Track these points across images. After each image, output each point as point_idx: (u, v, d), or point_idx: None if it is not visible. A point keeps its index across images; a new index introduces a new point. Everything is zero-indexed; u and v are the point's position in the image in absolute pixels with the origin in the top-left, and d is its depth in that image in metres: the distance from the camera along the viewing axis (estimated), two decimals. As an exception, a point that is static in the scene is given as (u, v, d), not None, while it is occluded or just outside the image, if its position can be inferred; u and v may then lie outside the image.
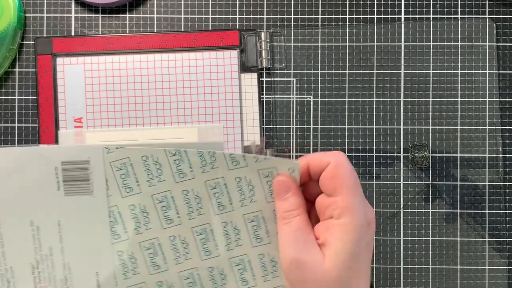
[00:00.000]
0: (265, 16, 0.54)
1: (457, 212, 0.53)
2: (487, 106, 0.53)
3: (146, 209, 0.32)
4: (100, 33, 0.54)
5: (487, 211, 0.53)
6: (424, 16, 0.54)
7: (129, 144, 0.32)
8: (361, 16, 0.54)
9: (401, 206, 0.53)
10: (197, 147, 0.32)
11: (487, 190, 0.53)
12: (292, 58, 0.54)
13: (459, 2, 0.54)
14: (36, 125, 0.53)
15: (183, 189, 0.32)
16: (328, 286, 0.31)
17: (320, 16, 0.54)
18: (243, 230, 0.33)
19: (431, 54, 0.53)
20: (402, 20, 0.54)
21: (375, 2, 0.54)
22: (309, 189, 0.34)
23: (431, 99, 0.53)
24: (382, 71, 0.53)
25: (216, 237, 0.33)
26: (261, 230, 0.33)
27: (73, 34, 0.54)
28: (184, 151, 0.31)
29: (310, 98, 0.54)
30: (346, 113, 0.53)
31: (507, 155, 0.53)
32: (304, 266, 0.31)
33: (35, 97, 0.53)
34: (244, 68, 0.53)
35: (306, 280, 0.31)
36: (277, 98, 0.54)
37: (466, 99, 0.53)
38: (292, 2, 0.54)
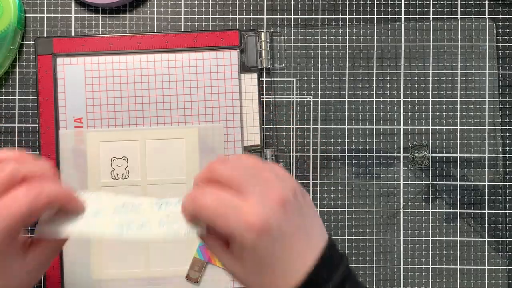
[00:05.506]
0: (265, 16, 0.54)
1: (457, 212, 0.53)
2: (486, 106, 0.53)
3: None
4: (100, 33, 0.54)
5: (487, 211, 0.53)
6: (424, 16, 0.54)
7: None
8: (361, 16, 0.54)
9: (401, 206, 0.53)
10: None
11: (487, 190, 0.53)
12: (292, 58, 0.54)
13: (459, 2, 0.54)
14: (36, 125, 0.53)
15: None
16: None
17: (320, 16, 0.54)
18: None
19: (431, 54, 0.53)
20: (402, 20, 0.54)
21: (375, 2, 0.54)
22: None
23: (431, 99, 0.53)
24: (382, 71, 0.53)
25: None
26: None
27: (73, 34, 0.54)
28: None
29: (310, 98, 0.54)
30: (346, 113, 0.53)
31: (507, 155, 0.53)
32: None
33: (35, 97, 0.53)
34: (244, 68, 0.53)
35: None
36: (277, 98, 0.54)
37: (466, 99, 0.53)
38: (292, 2, 0.54)
